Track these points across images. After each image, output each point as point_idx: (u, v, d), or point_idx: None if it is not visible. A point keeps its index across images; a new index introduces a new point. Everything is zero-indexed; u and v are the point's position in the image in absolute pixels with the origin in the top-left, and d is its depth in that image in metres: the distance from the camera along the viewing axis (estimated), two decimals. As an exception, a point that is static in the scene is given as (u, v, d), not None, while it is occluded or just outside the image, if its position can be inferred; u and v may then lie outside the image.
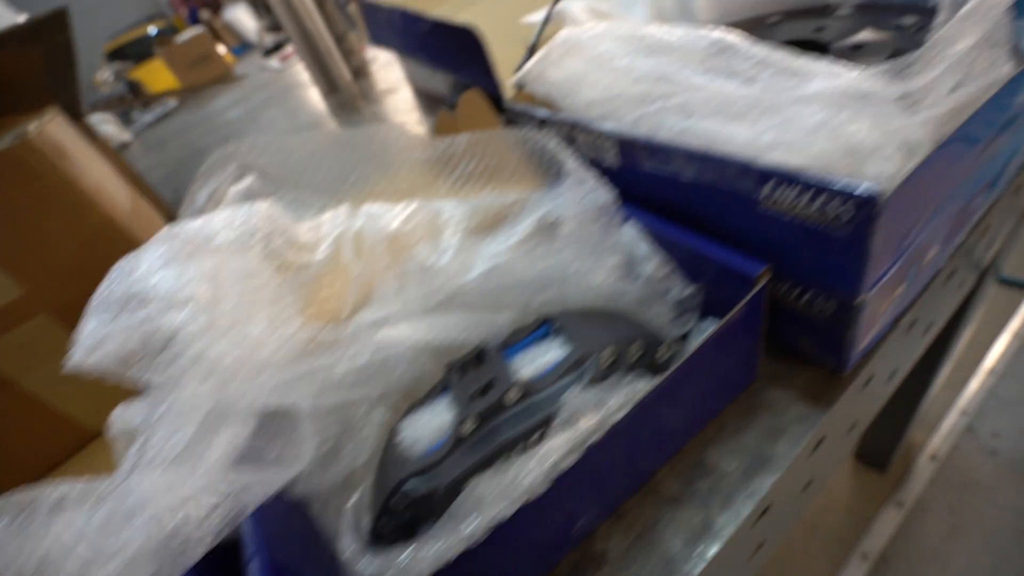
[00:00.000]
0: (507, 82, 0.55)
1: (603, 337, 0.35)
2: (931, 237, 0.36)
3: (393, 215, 0.42)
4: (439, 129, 0.72)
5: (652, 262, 0.37)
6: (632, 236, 0.39)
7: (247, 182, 0.48)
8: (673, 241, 0.37)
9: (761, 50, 0.34)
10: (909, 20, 0.46)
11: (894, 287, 0.35)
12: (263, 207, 0.39)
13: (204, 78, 2.49)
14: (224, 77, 2.45)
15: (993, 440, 1.03)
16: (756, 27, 0.53)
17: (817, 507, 1.05)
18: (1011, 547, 0.91)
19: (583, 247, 0.38)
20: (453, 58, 0.56)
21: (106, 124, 2.10)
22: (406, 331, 0.37)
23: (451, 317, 0.39)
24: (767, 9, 0.56)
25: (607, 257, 0.39)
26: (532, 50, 0.54)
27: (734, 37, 0.35)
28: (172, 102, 2.44)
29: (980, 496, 0.98)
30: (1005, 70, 0.32)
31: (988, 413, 1.07)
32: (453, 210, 0.42)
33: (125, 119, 2.44)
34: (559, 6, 0.55)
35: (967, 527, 0.95)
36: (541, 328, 0.40)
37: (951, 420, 1.08)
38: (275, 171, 0.49)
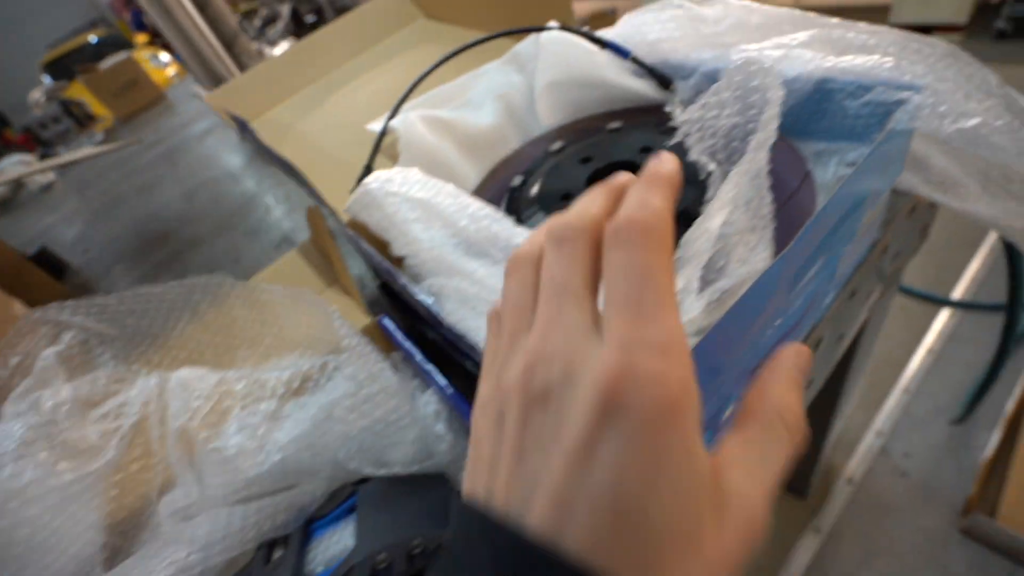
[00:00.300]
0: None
1: (385, 530, 0.35)
2: (720, 402, 0.36)
3: (199, 385, 0.41)
4: (311, 222, 0.70)
5: (446, 441, 0.37)
6: (430, 411, 0.38)
7: (65, 342, 0.47)
8: (467, 419, 0.37)
9: (519, 236, 0.33)
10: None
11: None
12: (44, 411, 0.37)
13: (134, 105, 2.38)
14: (155, 102, 2.35)
15: (904, 461, 1.07)
16: (598, 134, 0.52)
17: (742, 536, 1.08)
18: (920, 569, 0.95)
19: (377, 424, 0.37)
20: (295, 179, 0.55)
21: (24, 166, 2.01)
22: (204, 527, 0.36)
23: (251, 506, 0.38)
24: (605, 107, 0.55)
25: (406, 431, 0.38)
26: (368, 169, 0.53)
27: (500, 225, 0.34)
28: (99, 135, 2.33)
29: (891, 519, 1.01)
30: (762, 258, 0.32)
31: (901, 433, 1.10)
32: (258, 380, 0.41)
33: (47, 156, 2.33)
34: (395, 120, 0.53)
35: (879, 551, 0.99)
36: (351, 498, 0.40)
37: (867, 441, 1.11)
38: (94, 326, 0.48)
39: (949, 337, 1.20)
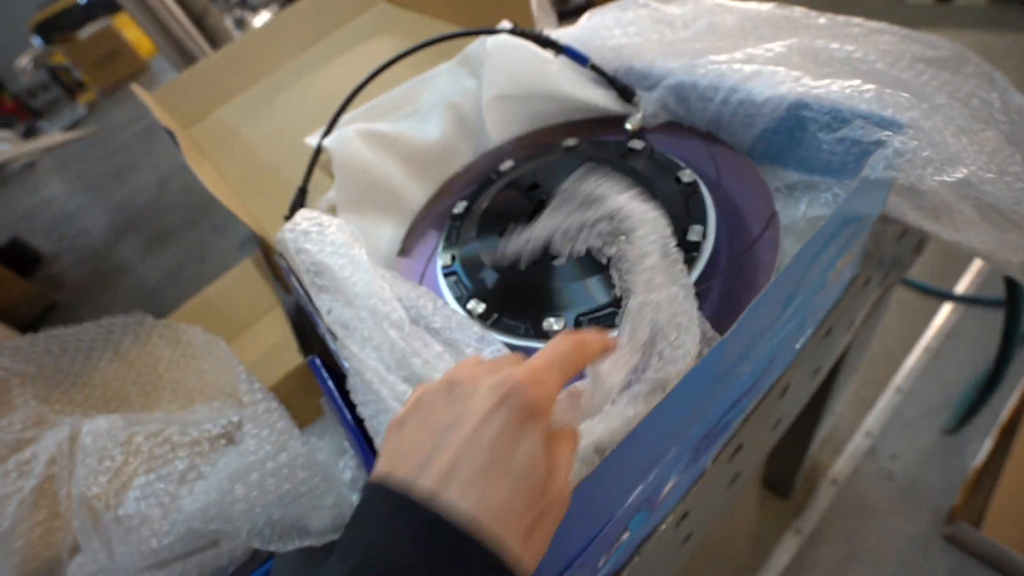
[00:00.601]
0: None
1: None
2: (657, 482, 0.33)
3: (107, 443, 0.39)
4: (264, 252, 0.66)
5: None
6: (347, 478, 0.35)
7: (-22, 382, 0.44)
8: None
9: (415, 354, 0.29)
10: (687, 177, 0.40)
11: (605, 549, 0.32)
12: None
13: (116, 76, 2.29)
14: (139, 72, 2.26)
15: (891, 463, 1.04)
16: (552, 152, 0.47)
17: (723, 535, 1.07)
18: (901, 575, 0.94)
19: (285, 498, 0.35)
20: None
21: (7, 143, 1.96)
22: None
23: (160, 574, 0.36)
24: (562, 118, 0.50)
25: (323, 496, 0.36)
26: (302, 191, 0.48)
27: (397, 332, 0.30)
28: (82, 107, 2.26)
29: (874, 522, 1.00)
30: (687, 354, 0.27)
31: (890, 434, 1.07)
32: (168, 439, 0.38)
33: (32, 130, 2.27)
34: (328, 139, 0.49)
35: (860, 554, 0.98)
36: (269, 561, 0.38)
37: (856, 442, 1.08)
38: (11, 366, 0.45)
39: (948, 334, 1.15)
